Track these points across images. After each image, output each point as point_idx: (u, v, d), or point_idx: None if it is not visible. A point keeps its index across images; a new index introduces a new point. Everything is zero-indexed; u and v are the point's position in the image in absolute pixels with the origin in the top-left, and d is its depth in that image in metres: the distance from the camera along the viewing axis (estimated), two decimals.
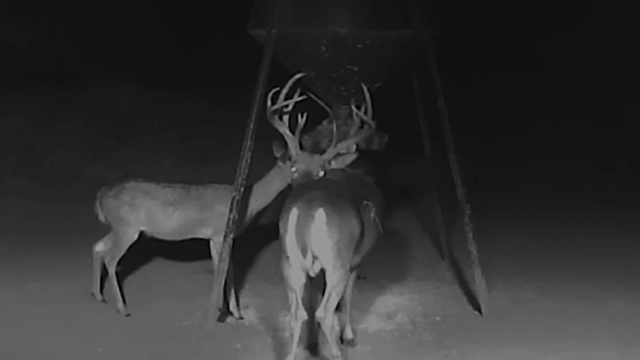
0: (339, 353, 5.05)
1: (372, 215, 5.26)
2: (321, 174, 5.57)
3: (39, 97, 10.65)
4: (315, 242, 4.86)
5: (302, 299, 5.00)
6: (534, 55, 11.88)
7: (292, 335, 5.00)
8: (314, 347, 5.56)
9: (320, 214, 4.85)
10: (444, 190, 7.41)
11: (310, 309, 5.25)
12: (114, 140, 10.68)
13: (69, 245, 7.69)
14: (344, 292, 5.21)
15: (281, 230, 4.95)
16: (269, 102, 5.69)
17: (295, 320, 4.95)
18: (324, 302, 4.95)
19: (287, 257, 4.91)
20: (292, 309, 4.96)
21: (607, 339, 5.72)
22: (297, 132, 5.65)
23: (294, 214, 4.88)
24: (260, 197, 6.25)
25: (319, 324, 5.08)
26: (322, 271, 4.97)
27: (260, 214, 6.41)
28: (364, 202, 5.25)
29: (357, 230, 5.02)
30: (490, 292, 6.30)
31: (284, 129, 5.72)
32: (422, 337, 5.84)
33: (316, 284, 5.47)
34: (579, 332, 5.87)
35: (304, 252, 4.89)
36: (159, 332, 5.88)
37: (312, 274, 4.98)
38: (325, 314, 4.93)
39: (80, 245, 7.13)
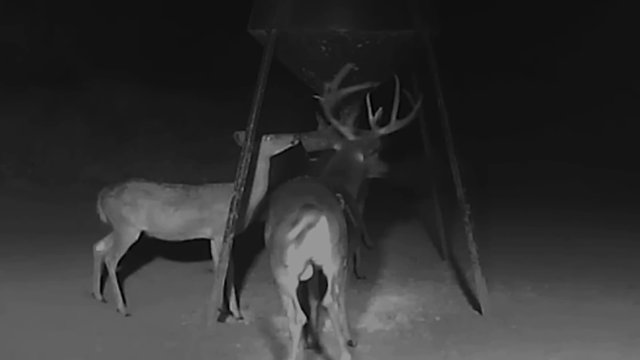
0: (345, 341, 5.05)
1: (343, 207, 5.21)
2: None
3: (39, 97, 10.63)
4: (318, 248, 4.85)
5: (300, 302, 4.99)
6: (535, 57, 11.87)
7: (291, 338, 4.98)
8: (315, 347, 5.56)
9: (322, 222, 4.81)
10: (444, 190, 7.41)
11: (309, 308, 5.25)
12: (114, 140, 10.67)
13: (69, 245, 7.68)
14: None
15: (279, 241, 4.87)
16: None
17: (295, 324, 4.93)
18: (329, 290, 4.94)
19: (286, 266, 4.87)
20: (290, 314, 4.93)
21: (608, 339, 5.72)
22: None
23: (294, 223, 4.82)
24: (257, 186, 6.21)
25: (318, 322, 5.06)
26: (320, 272, 4.97)
27: (260, 213, 6.40)
28: (337, 194, 5.23)
29: (344, 225, 5.02)
30: (490, 292, 6.30)
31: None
32: (422, 337, 5.84)
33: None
34: (579, 332, 5.86)
35: (308, 261, 4.87)
36: (159, 332, 5.88)
37: (303, 278, 4.96)
38: (332, 300, 4.92)
39: (80, 245, 7.12)
